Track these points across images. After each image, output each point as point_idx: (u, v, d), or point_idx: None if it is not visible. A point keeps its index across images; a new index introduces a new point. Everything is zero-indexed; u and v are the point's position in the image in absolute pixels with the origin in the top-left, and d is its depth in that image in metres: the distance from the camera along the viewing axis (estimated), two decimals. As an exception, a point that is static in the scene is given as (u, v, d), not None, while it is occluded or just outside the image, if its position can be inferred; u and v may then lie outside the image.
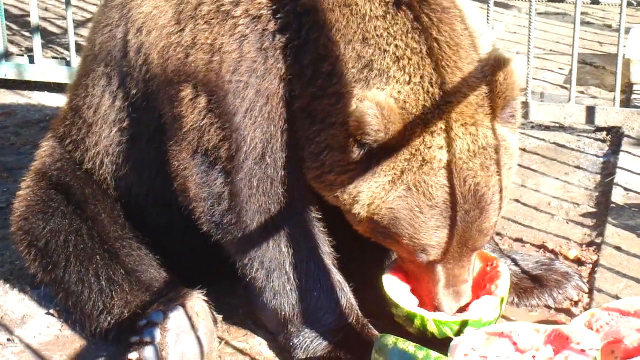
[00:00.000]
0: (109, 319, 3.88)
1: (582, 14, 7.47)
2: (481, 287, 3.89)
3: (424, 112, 3.42)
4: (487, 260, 3.97)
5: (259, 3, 3.61)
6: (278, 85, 3.58)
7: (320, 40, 3.51)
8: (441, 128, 3.43)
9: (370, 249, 4.09)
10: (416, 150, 3.42)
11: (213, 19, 3.65)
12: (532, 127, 6.10)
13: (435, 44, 3.46)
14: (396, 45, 3.45)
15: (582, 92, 6.57)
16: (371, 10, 3.48)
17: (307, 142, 3.57)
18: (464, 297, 3.71)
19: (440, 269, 3.62)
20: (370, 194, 3.47)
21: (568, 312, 4.08)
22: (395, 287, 3.80)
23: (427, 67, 3.44)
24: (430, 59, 3.45)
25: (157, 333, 3.64)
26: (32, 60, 6.69)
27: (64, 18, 6.95)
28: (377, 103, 3.35)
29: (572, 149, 5.80)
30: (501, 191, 3.54)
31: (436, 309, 3.70)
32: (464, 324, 3.69)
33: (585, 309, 4.04)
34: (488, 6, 5.93)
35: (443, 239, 3.50)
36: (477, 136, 3.47)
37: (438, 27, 3.48)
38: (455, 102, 3.44)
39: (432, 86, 3.44)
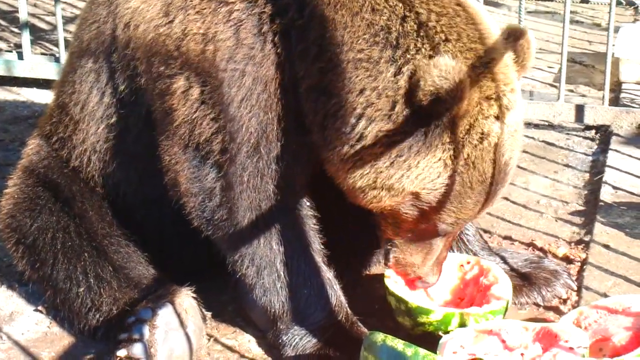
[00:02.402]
0: (97, 316, 3.87)
1: (572, 12, 7.48)
2: (476, 284, 3.92)
3: (475, 72, 3.35)
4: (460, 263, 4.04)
5: None
6: (275, 71, 3.54)
7: (325, 15, 3.45)
8: (495, 94, 3.37)
9: (361, 247, 4.10)
10: (475, 121, 3.35)
11: (205, 8, 3.61)
12: (521, 125, 6.11)
13: (459, 7, 3.42)
14: (417, 12, 3.38)
15: (571, 91, 6.58)
16: None
17: (328, 119, 3.46)
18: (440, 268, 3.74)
19: (443, 240, 3.64)
20: (427, 168, 3.38)
21: (556, 310, 4.09)
22: (412, 295, 3.79)
23: (460, 24, 3.38)
24: (459, 18, 3.39)
25: (146, 330, 3.63)
26: (20, 56, 6.65)
27: (53, 14, 6.91)
28: (452, 67, 3.23)
29: (561, 147, 5.81)
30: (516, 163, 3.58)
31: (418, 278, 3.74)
32: (499, 313, 3.75)
33: (574, 307, 4.05)
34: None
35: (475, 211, 3.52)
36: (518, 106, 3.45)
37: None
38: (498, 59, 3.39)
39: (472, 42, 3.38)
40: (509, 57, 3.45)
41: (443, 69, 3.22)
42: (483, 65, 3.36)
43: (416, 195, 3.44)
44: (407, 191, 3.43)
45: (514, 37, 3.48)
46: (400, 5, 3.41)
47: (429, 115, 3.30)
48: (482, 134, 3.36)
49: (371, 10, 3.41)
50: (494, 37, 3.43)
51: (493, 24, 3.52)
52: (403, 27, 3.37)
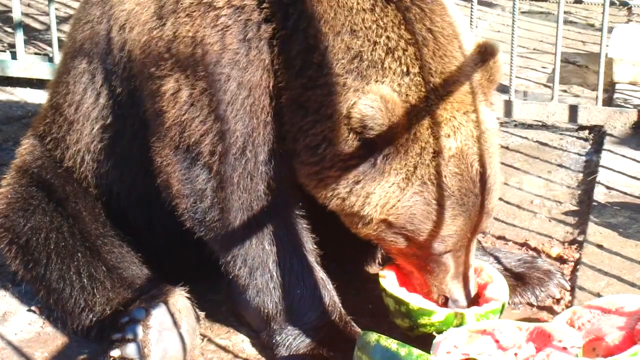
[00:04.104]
0: (91, 316, 3.87)
1: (565, 13, 7.50)
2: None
3: (428, 104, 3.44)
4: None
5: None
6: (261, 77, 3.56)
7: (309, 31, 3.50)
8: (446, 118, 3.46)
9: (354, 246, 4.09)
10: (425, 143, 3.44)
11: (194, 11, 3.63)
12: (515, 125, 6.12)
13: (430, 35, 3.48)
14: (387, 37, 3.45)
15: (565, 91, 6.59)
16: (358, 3, 3.48)
17: (300, 134, 3.54)
18: (472, 284, 3.73)
19: (450, 258, 3.63)
20: (384, 194, 3.46)
21: (550, 310, 4.09)
22: (410, 296, 3.77)
23: (425, 56, 3.45)
24: (426, 49, 3.46)
25: (139, 330, 3.63)
26: (14, 56, 6.64)
27: (47, 14, 6.90)
28: (381, 96, 3.34)
29: (555, 147, 5.82)
30: (498, 171, 3.61)
31: (447, 300, 3.71)
32: (499, 311, 3.76)
33: (567, 307, 4.05)
34: (472, 4, 5.94)
35: (460, 226, 3.53)
36: (478, 122, 3.51)
37: (430, 17, 3.49)
38: (455, 91, 3.47)
39: (432, 76, 3.45)
40: (469, 83, 3.52)
41: (371, 97, 3.35)
42: (437, 97, 3.45)
43: (387, 222, 3.50)
44: (375, 219, 3.51)
45: (481, 54, 3.56)
46: (374, 27, 3.46)
47: (366, 140, 3.40)
48: (434, 152, 3.44)
49: (350, 31, 3.46)
50: (457, 66, 3.49)
51: (467, 43, 3.57)
52: (372, 55, 3.44)
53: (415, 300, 3.74)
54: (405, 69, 3.44)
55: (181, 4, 3.65)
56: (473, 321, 3.67)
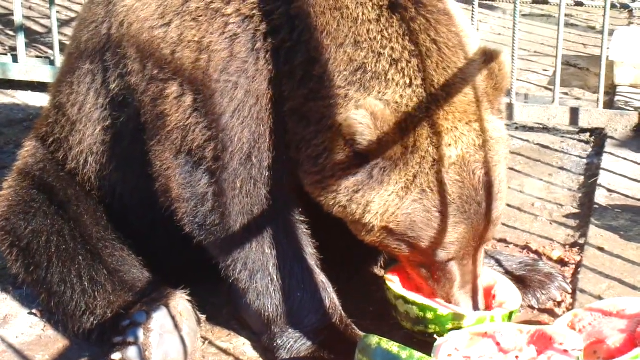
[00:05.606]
0: (92, 319, 3.87)
1: (566, 15, 7.49)
2: None
3: (429, 115, 3.43)
4: None
5: (252, 3, 3.59)
6: (268, 86, 3.57)
7: (311, 43, 3.50)
8: (448, 128, 3.45)
9: (355, 250, 4.09)
10: (425, 153, 3.43)
11: (201, 15, 3.63)
12: (516, 128, 6.12)
13: (434, 46, 3.47)
14: (392, 48, 3.44)
15: (566, 94, 6.59)
16: (363, 14, 3.47)
17: (302, 143, 3.55)
18: (480, 293, 3.72)
19: (455, 266, 3.63)
20: (383, 202, 3.46)
21: (551, 313, 4.09)
22: (432, 302, 3.74)
23: (428, 69, 3.44)
24: (430, 61, 3.45)
25: (140, 333, 3.63)
26: (15, 59, 6.64)
27: (48, 17, 6.92)
28: (372, 113, 3.35)
29: (556, 150, 5.82)
30: (503, 180, 3.59)
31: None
32: (517, 311, 3.81)
33: (568, 310, 4.05)
34: (472, 7, 5.94)
35: (462, 233, 3.52)
36: (480, 131, 3.50)
37: (435, 28, 3.48)
38: (458, 103, 3.47)
39: (434, 88, 3.44)
40: (474, 92, 3.50)
41: (361, 114, 3.35)
42: (439, 108, 3.44)
43: (388, 229, 3.51)
44: (377, 227, 3.51)
45: (485, 64, 3.54)
46: (379, 38, 3.46)
47: (365, 154, 3.41)
48: (434, 160, 3.43)
49: (354, 43, 3.46)
50: (461, 77, 3.47)
51: (471, 48, 3.55)
52: (376, 67, 3.43)
53: (442, 307, 3.70)
54: (408, 81, 3.43)
55: (187, 6, 3.65)
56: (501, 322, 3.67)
